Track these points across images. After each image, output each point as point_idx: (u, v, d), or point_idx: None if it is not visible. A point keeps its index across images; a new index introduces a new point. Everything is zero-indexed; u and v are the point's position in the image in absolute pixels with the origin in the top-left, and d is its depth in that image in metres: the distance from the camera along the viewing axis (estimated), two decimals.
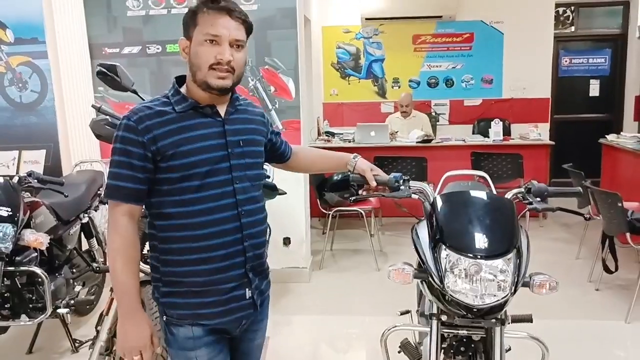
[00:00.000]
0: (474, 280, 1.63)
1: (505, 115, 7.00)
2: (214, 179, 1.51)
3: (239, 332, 1.66)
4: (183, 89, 1.58)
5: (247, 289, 1.61)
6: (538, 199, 1.85)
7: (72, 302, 3.08)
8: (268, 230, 3.78)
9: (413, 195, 1.89)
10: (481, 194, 1.85)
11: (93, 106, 2.88)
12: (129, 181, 1.48)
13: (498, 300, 1.62)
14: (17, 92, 4.09)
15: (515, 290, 1.64)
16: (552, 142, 6.21)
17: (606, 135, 6.00)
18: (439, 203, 1.81)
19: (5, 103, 4.10)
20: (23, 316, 2.87)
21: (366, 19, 7.11)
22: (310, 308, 3.93)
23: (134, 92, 2.56)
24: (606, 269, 3.98)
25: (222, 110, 1.58)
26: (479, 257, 1.63)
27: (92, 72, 4.09)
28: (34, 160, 4.13)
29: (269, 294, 1.76)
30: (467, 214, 1.75)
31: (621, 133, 6.03)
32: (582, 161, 5.51)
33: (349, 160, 1.92)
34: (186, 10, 1.55)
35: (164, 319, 1.60)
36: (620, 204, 3.51)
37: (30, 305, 2.90)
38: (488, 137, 6.17)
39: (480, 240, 1.66)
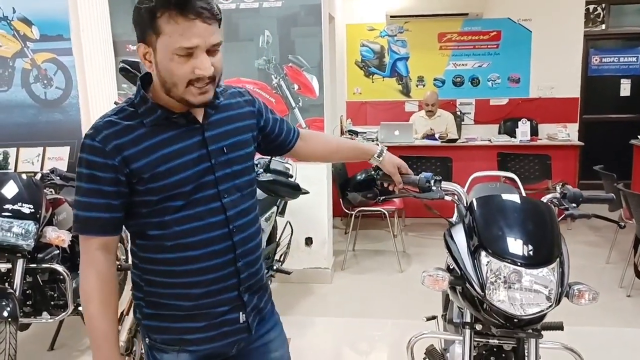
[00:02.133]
0: (515, 288, 1.55)
1: (533, 115, 6.85)
2: (199, 194, 1.31)
3: (236, 351, 1.47)
4: (150, 92, 1.33)
5: (240, 312, 1.42)
6: (573, 204, 1.76)
7: None
8: (290, 235, 3.76)
9: (446, 197, 1.81)
10: (519, 198, 1.76)
11: (116, 103, 2.86)
12: (102, 210, 1.27)
13: (542, 311, 1.53)
14: (42, 88, 4.10)
15: (559, 301, 1.55)
16: (581, 143, 6.05)
17: (638, 136, 5.82)
18: (476, 206, 1.73)
19: (31, 100, 4.11)
20: (45, 313, 2.87)
21: (391, 16, 7.02)
22: (332, 310, 3.86)
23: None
24: (638, 275, 3.85)
25: (199, 114, 1.35)
26: (522, 264, 1.54)
27: (116, 69, 4.08)
28: (58, 157, 4.13)
29: (272, 304, 1.58)
30: (508, 219, 1.67)
31: None
32: (612, 163, 5.37)
33: (374, 155, 1.73)
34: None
35: (147, 342, 1.42)
36: None
37: (52, 303, 2.92)
38: (514, 137, 6.05)
39: (523, 247, 1.57)
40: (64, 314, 2.85)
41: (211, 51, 1.25)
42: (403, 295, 4.00)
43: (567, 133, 6.04)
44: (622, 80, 7.24)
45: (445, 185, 1.82)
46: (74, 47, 4.02)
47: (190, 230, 1.32)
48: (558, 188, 1.84)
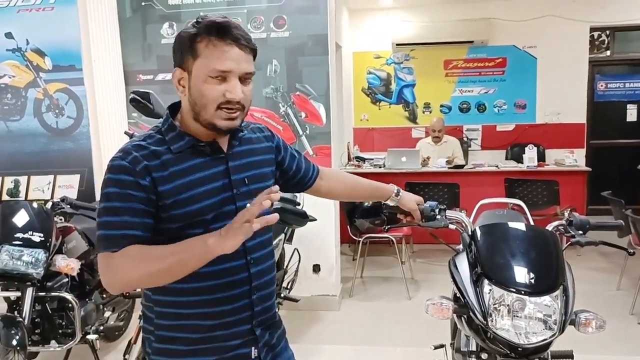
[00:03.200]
0: (518, 317, 1.55)
1: (539, 140, 6.86)
2: (220, 224, 1.26)
3: None
4: (177, 122, 1.36)
5: (252, 348, 1.41)
6: (580, 232, 1.77)
7: (102, 327, 3.08)
8: (297, 262, 3.77)
9: (450, 226, 1.82)
10: (524, 226, 1.78)
11: (126, 132, 2.91)
12: (138, 229, 1.25)
13: (545, 339, 1.53)
14: (53, 117, 4.17)
15: (563, 329, 1.55)
16: (589, 169, 6.04)
17: None
18: (479, 235, 1.74)
19: (42, 129, 4.18)
20: (53, 342, 2.87)
21: (397, 44, 7.11)
22: (340, 337, 3.84)
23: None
24: None
25: (224, 143, 1.38)
26: (524, 293, 1.55)
27: (127, 98, 4.15)
28: (69, 185, 4.18)
29: (286, 341, 1.55)
30: (510, 247, 1.68)
31: None
32: (619, 188, 5.34)
33: (392, 195, 1.78)
34: None
35: None
36: None
37: (60, 331, 2.91)
38: (522, 162, 6.05)
39: (526, 276, 1.58)
40: (72, 342, 2.84)
41: (243, 79, 1.30)
42: (411, 323, 3.97)
43: (575, 159, 6.04)
44: (629, 106, 7.24)
45: (449, 213, 1.84)
46: (85, 77, 4.10)
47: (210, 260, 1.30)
48: (566, 214, 1.85)
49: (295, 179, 1.66)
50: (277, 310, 1.52)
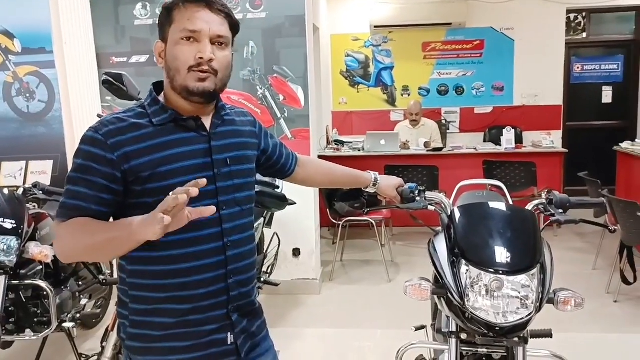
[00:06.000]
0: (495, 296, 1.55)
1: (517, 122, 6.91)
2: (197, 204, 1.18)
3: None
4: (161, 97, 1.36)
5: (228, 333, 1.38)
6: (560, 210, 1.77)
7: (78, 315, 3.02)
8: (277, 246, 3.74)
9: (429, 207, 1.81)
10: (501, 206, 1.77)
11: (99, 116, 2.84)
12: (90, 202, 1.24)
13: (522, 318, 1.53)
14: (24, 102, 4.06)
15: (540, 308, 1.55)
16: (566, 150, 6.10)
17: (620, 143, 5.88)
18: (457, 215, 1.73)
19: (13, 114, 4.06)
20: (28, 331, 2.81)
21: (375, 26, 7.06)
22: (321, 321, 3.84)
23: (140, 100, 2.51)
24: (624, 280, 3.87)
25: (207, 122, 1.36)
26: (501, 272, 1.54)
27: (100, 81, 4.06)
28: (41, 171, 4.08)
29: (267, 331, 1.53)
30: (488, 227, 1.67)
31: (636, 140, 5.92)
32: (595, 169, 5.41)
33: (369, 184, 1.79)
34: None
35: None
36: (639, 213, 3.41)
37: (35, 320, 2.85)
38: (500, 145, 6.09)
39: (502, 255, 1.58)
40: (47, 330, 2.79)
41: (217, 43, 1.30)
42: (392, 305, 3.99)
43: (552, 140, 6.10)
44: (604, 88, 7.33)
45: (429, 195, 1.83)
46: (56, 60, 3.99)
47: (183, 241, 1.29)
48: (544, 195, 1.85)
49: (277, 166, 1.67)
50: (256, 297, 1.49)
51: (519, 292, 1.54)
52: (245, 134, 1.48)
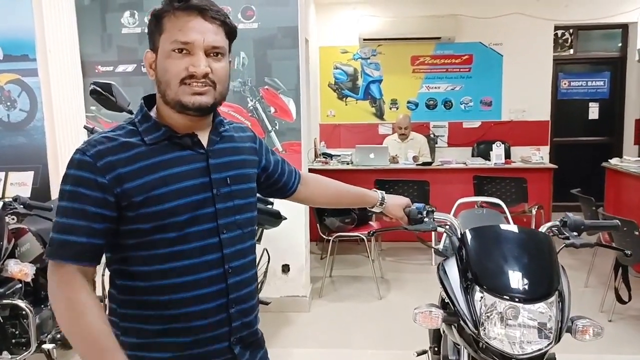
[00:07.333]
0: (510, 325, 1.46)
1: (505, 137, 6.89)
2: (196, 228, 1.17)
3: None
4: (153, 113, 1.25)
5: None
6: (575, 233, 1.70)
7: (59, 336, 2.88)
8: (267, 262, 3.63)
9: (439, 229, 1.72)
10: (515, 228, 1.70)
11: (85, 127, 2.73)
12: (81, 234, 1.12)
13: (541, 349, 1.45)
14: (4, 111, 3.90)
15: (559, 338, 1.47)
16: (555, 166, 6.09)
17: (609, 160, 5.89)
18: (469, 238, 1.65)
19: None
20: (5, 353, 2.69)
21: (364, 39, 7.02)
22: (311, 341, 3.72)
23: (130, 112, 2.40)
24: (619, 299, 3.82)
25: (203, 138, 1.25)
26: (518, 300, 1.46)
27: (84, 91, 3.93)
28: (22, 182, 3.92)
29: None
30: (502, 251, 1.60)
31: (624, 157, 5.93)
32: (582, 185, 5.39)
33: (376, 203, 1.68)
34: None
35: None
36: (637, 232, 3.37)
37: (14, 341, 2.73)
38: (488, 159, 6.06)
39: (519, 281, 1.50)
40: (26, 353, 2.66)
41: (212, 54, 1.19)
42: (383, 324, 3.89)
43: (541, 156, 6.10)
44: (591, 104, 7.36)
45: (437, 216, 1.74)
46: (39, 68, 3.84)
47: (183, 269, 1.19)
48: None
49: (278, 185, 1.54)
50: (258, 326, 1.38)
51: (537, 321, 1.45)
52: (245, 150, 1.37)
